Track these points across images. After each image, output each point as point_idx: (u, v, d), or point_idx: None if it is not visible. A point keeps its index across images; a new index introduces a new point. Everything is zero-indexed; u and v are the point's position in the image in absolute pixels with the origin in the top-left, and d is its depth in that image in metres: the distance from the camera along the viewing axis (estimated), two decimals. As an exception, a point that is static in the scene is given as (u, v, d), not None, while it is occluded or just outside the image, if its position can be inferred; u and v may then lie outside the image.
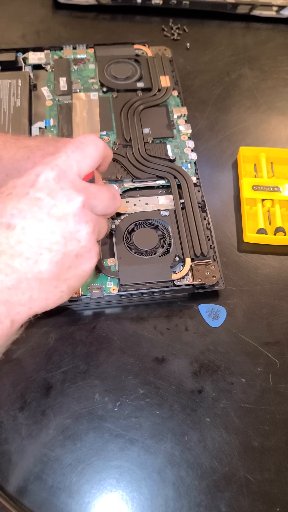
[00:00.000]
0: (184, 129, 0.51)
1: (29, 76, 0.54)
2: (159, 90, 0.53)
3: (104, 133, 0.50)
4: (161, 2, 0.62)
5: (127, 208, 0.45)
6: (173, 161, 0.48)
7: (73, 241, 0.28)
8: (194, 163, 0.48)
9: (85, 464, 0.36)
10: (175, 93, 0.53)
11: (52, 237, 0.27)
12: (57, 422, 0.37)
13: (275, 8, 0.63)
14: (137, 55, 0.55)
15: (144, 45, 0.57)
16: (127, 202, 0.45)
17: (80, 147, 0.29)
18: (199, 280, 0.41)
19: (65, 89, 0.52)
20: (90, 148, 0.30)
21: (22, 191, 0.27)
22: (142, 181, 0.46)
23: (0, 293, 0.26)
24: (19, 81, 0.52)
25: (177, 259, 0.42)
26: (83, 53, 0.56)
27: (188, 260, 0.42)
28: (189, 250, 0.42)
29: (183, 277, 0.41)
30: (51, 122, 0.50)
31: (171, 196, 0.46)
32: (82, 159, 0.29)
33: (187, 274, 0.41)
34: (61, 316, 0.42)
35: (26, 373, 0.39)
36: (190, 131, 0.50)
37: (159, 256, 0.42)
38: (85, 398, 0.38)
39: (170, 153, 0.49)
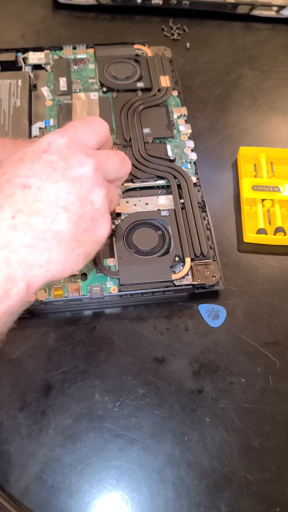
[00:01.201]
0: (184, 129, 0.51)
1: (29, 76, 0.54)
2: (159, 90, 0.53)
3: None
4: (161, 2, 0.62)
5: (127, 208, 0.45)
6: (173, 161, 0.48)
7: (87, 203, 0.28)
8: (194, 163, 0.48)
9: (85, 464, 0.36)
10: (175, 93, 0.53)
11: (68, 197, 0.27)
12: (57, 422, 0.37)
13: (275, 8, 0.63)
14: (137, 55, 0.55)
15: (144, 45, 0.57)
16: (127, 202, 0.45)
17: (87, 123, 0.30)
18: (199, 280, 0.41)
19: (65, 89, 0.52)
20: (96, 125, 0.31)
21: (34, 156, 0.28)
22: (142, 181, 0.46)
23: (16, 253, 0.25)
24: (19, 81, 0.52)
25: (177, 259, 0.42)
26: (83, 53, 0.56)
27: (188, 260, 0.42)
28: (189, 250, 0.42)
29: (183, 277, 0.41)
30: (51, 122, 0.50)
31: (171, 196, 0.46)
32: (89, 133, 0.30)
33: (187, 274, 0.41)
34: (61, 316, 0.42)
35: (26, 373, 0.39)
36: (190, 131, 0.50)
37: (159, 256, 0.42)
38: (85, 398, 0.38)
39: (170, 153, 0.49)
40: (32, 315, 0.42)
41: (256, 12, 0.63)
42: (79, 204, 0.27)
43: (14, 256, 0.25)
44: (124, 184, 0.46)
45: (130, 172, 0.46)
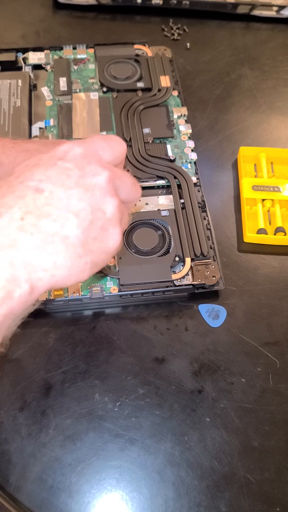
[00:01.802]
0: (184, 129, 0.51)
1: (29, 76, 0.54)
2: (159, 90, 0.53)
3: (104, 133, 0.50)
4: (161, 2, 0.62)
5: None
6: (173, 161, 0.48)
7: (99, 212, 0.28)
8: (194, 163, 0.48)
9: (85, 464, 0.36)
10: (175, 93, 0.53)
11: (79, 204, 0.27)
12: (57, 422, 0.37)
13: (275, 8, 0.63)
14: (137, 55, 0.55)
15: (144, 45, 0.57)
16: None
17: (105, 139, 0.30)
18: (199, 280, 0.41)
19: (65, 89, 0.52)
20: (115, 142, 0.31)
21: (49, 162, 0.28)
22: (142, 181, 0.46)
23: (22, 254, 0.25)
24: (19, 81, 0.52)
25: (177, 259, 0.42)
26: (83, 53, 0.56)
27: (188, 260, 0.42)
28: (189, 250, 0.42)
29: (183, 277, 0.41)
30: (51, 122, 0.50)
31: (171, 196, 0.46)
32: (106, 148, 0.30)
33: (187, 274, 0.41)
34: (61, 316, 0.42)
35: (26, 373, 0.39)
36: (190, 131, 0.50)
37: (159, 256, 0.42)
38: (85, 398, 0.38)
39: (170, 153, 0.49)
40: (32, 315, 0.42)
41: (256, 12, 0.63)
42: (90, 211, 0.27)
43: (19, 257, 0.25)
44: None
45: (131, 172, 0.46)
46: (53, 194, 0.26)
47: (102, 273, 0.41)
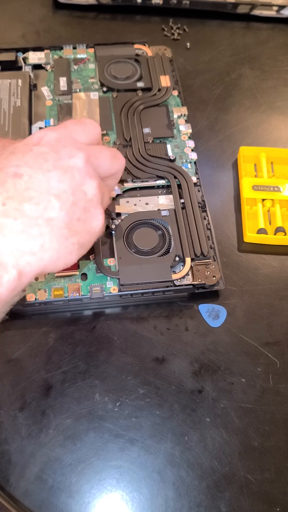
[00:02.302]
0: (184, 129, 0.51)
1: (29, 76, 0.53)
2: (159, 90, 0.53)
3: (104, 132, 0.50)
4: (161, 2, 0.62)
5: (127, 208, 0.45)
6: (173, 161, 0.48)
7: (79, 193, 0.28)
8: (194, 163, 0.48)
9: (85, 464, 0.36)
10: (175, 93, 0.53)
11: (60, 186, 0.27)
12: (57, 422, 0.37)
13: (275, 8, 0.63)
14: (137, 55, 0.55)
15: (144, 45, 0.57)
16: (127, 202, 0.45)
17: (78, 122, 0.31)
18: (199, 280, 0.41)
19: (65, 89, 0.52)
20: (88, 125, 0.31)
21: (25, 148, 0.28)
22: (142, 181, 0.46)
23: (7, 239, 0.25)
24: (19, 81, 0.52)
25: (177, 259, 0.42)
26: (83, 53, 0.56)
27: (188, 260, 0.42)
28: (189, 250, 0.42)
29: (183, 277, 0.41)
30: (51, 122, 0.50)
31: (171, 196, 0.46)
32: (80, 131, 0.30)
33: (187, 274, 0.41)
34: (61, 316, 0.42)
35: (26, 373, 0.39)
36: (190, 131, 0.50)
37: (159, 256, 0.42)
38: (85, 398, 0.38)
39: (170, 153, 0.49)
40: (32, 315, 0.42)
41: (257, 12, 0.63)
42: (71, 193, 0.27)
43: (4, 242, 0.25)
44: (124, 184, 0.46)
45: (130, 172, 0.46)
46: (33, 178, 0.26)
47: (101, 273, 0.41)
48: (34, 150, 0.28)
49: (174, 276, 0.41)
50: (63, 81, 0.53)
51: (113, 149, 0.33)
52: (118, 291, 0.41)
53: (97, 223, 0.29)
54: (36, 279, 0.41)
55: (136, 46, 0.57)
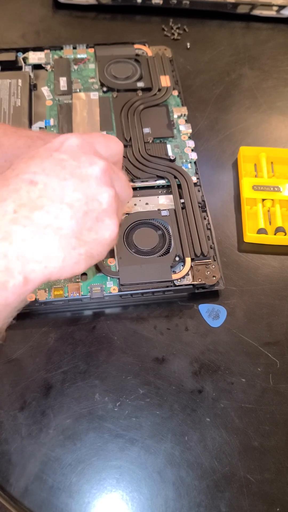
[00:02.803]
0: (184, 128, 0.51)
1: (29, 76, 0.53)
2: (159, 90, 0.53)
3: (104, 132, 0.50)
4: (161, 2, 0.62)
5: (127, 208, 0.45)
6: (173, 161, 0.48)
7: (94, 202, 0.28)
8: (194, 163, 0.48)
9: (85, 464, 0.36)
10: (175, 92, 0.53)
11: (74, 195, 0.27)
12: (57, 422, 0.37)
13: (275, 8, 0.62)
14: (137, 55, 0.55)
15: (144, 45, 0.57)
16: (127, 202, 0.45)
17: (103, 136, 0.31)
18: (199, 280, 0.41)
19: (65, 89, 0.52)
20: (112, 141, 0.31)
21: (45, 154, 0.28)
22: (142, 181, 0.46)
23: (15, 246, 0.25)
24: (19, 81, 0.52)
25: (177, 259, 0.42)
26: (83, 53, 0.56)
27: (188, 260, 0.42)
28: (189, 250, 0.42)
29: (183, 277, 0.41)
30: (51, 122, 0.50)
31: (171, 196, 0.46)
32: (103, 144, 0.30)
33: (187, 274, 0.41)
34: (61, 316, 0.42)
35: (26, 373, 0.39)
36: (190, 131, 0.50)
37: (159, 256, 0.42)
38: (85, 398, 0.38)
39: (170, 153, 0.49)
40: (32, 315, 0.42)
41: (257, 12, 0.63)
42: (85, 202, 0.27)
43: (12, 249, 0.25)
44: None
45: (130, 172, 0.46)
46: (47, 186, 0.26)
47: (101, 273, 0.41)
48: (53, 156, 0.28)
49: (174, 276, 0.41)
50: (63, 81, 0.53)
51: (127, 177, 0.33)
52: (118, 291, 0.41)
53: (110, 234, 0.29)
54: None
55: (136, 46, 0.57)
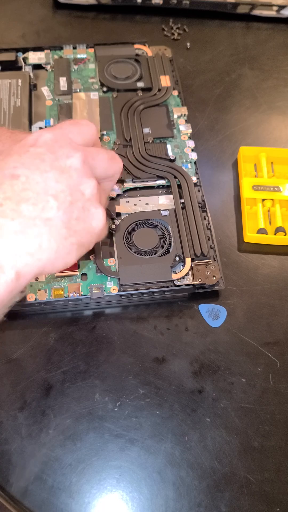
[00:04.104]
0: (184, 129, 0.51)
1: (29, 76, 0.53)
2: (159, 90, 0.53)
3: (104, 132, 0.50)
4: (161, 2, 0.62)
5: (127, 208, 0.45)
6: (173, 161, 0.48)
7: (77, 192, 0.28)
8: (194, 163, 0.48)
9: (85, 464, 0.36)
10: (175, 93, 0.53)
11: (57, 186, 0.27)
12: (57, 422, 0.37)
13: (275, 8, 0.62)
14: (137, 54, 0.55)
15: (144, 45, 0.57)
16: (127, 202, 0.45)
17: (74, 123, 0.31)
18: (199, 280, 0.41)
19: (65, 89, 0.52)
20: (83, 126, 0.31)
21: (22, 150, 0.28)
22: (142, 181, 0.46)
23: (5, 239, 0.25)
24: (19, 81, 0.52)
25: (177, 259, 0.42)
26: (83, 53, 0.56)
27: (188, 260, 0.42)
28: (189, 250, 0.42)
29: (183, 277, 0.41)
30: (51, 122, 0.50)
31: (171, 196, 0.46)
32: (76, 132, 0.30)
33: (187, 274, 0.41)
34: (61, 316, 0.42)
35: (26, 373, 0.39)
36: (190, 131, 0.50)
37: (159, 256, 0.42)
38: (85, 398, 0.38)
39: (170, 153, 0.49)
40: (32, 315, 0.42)
41: (257, 12, 0.63)
42: (69, 193, 0.27)
43: (2, 243, 0.25)
44: (124, 184, 0.46)
45: (130, 172, 0.46)
46: (30, 178, 0.26)
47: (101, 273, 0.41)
48: (30, 151, 0.28)
49: (174, 276, 0.41)
50: (63, 81, 0.53)
51: (111, 151, 0.33)
52: (118, 291, 0.41)
53: (97, 222, 0.29)
54: (36, 279, 0.41)
55: (136, 46, 0.57)
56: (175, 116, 0.51)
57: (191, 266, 0.42)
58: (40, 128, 0.50)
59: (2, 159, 0.27)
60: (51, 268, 0.27)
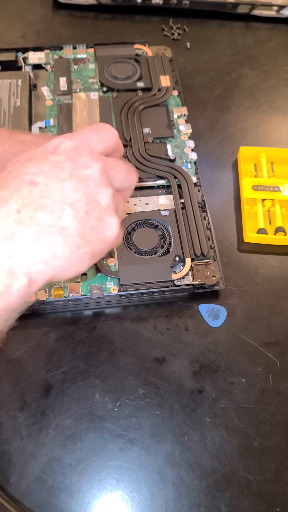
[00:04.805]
0: (184, 129, 0.51)
1: (29, 76, 0.53)
2: (159, 90, 0.53)
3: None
4: (161, 2, 0.62)
5: (127, 208, 0.45)
6: (173, 161, 0.48)
7: (93, 203, 0.28)
8: (194, 163, 0.48)
9: (85, 464, 0.36)
10: (175, 92, 0.53)
11: (75, 195, 0.27)
12: (57, 422, 0.37)
13: (275, 8, 0.63)
14: (137, 55, 0.55)
15: (144, 45, 0.57)
16: (127, 202, 0.45)
17: (95, 130, 0.31)
18: (199, 280, 0.41)
19: (65, 89, 0.52)
20: (105, 132, 0.31)
21: (42, 156, 0.28)
22: (142, 181, 0.46)
23: (20, 246, 0.25)
24: (19, 81, 0.52)
25: (177, 259, 0.42)
26: (83, 53, 0.56)
27: (188, 260, 0.42)
28: (189, 250, 0.42)
29: (183, 277, 0.41)
30: (51, 122, 0.50)
31: (171, 196, 0.46)
32: (97, 139, 0.30)
33: (187, 274, 0.41)
34: (61, 316, 0.42)
35: (26, 373, 0.39)
36: (190, 131, 0.50)
37: (159, 256, 0.42)
38: (85, 398, 0.38)
39: (170, 153, 0.49)
40: (32, 315, 0.42)
41: (256, 12, 0.63)
42: (85, 202, 0.28)
43: (17, 250, 0.25)
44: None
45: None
46: (48, 186, 0.27)
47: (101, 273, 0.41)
48: (50, 159, 0.28)
49: (174, 276, 0.41)
50: (63, 81, 0.53)
51: (129, 163, 0.33)
52: (118, 291, 0.41)
53: (112, 232, 0.29)
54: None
55: (136, 46, 0.57)
56: (175, 116, 0.51)
57: (191, 266, 0.42)
58: (40, 128, 0.50)
59: (22, 164, 0.27)
60: (62, 276, 0.27)
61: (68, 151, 0.28)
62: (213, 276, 0.41)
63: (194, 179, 0.47)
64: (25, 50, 0.55)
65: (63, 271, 0.27)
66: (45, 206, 0.26)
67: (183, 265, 0.42)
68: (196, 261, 0.42)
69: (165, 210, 0.44)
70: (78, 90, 0.53)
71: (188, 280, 0.41)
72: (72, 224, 0.27)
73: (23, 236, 0.25)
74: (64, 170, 0.27)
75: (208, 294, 0.43)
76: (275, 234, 0.46)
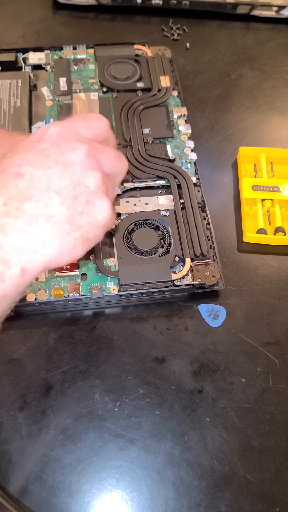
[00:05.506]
0: (184, 129, 0.51)
1: (29, 76, 0.54)
2: (159, 90, 0.53)
3: (104, 133, 0.49)
4: (161, 2, 0.62)
5: (127, 208, 0.45)
6: (173, 161, 0.48)
7: (81, 186, 0.28)
8: (194, 163, 0.48)
9: (85, 464, 0.36)
10: (175, 93, 0.53)
11: (60, 182, 0.27)
12: (57, 422, 0.37)
13: (275, 8, 0.63)
14: (137, 55, 0.55)
15: (144, 45, 0.57)
16: (127, 202, 0.45)
17: (84, 118, 0.31)
18: (199, 280, 0.41)
19: (65, 89, 0.52)
20: (94, 120, 0.31)
21: (28, 146, 0.28)
22: (142, 181, 0.47)
23: (9, 237, 0.26)
24: (19, 81, 0.52)
25: (177, 259, 0.42)
26: (83, 53, 0.56)
27: (188, 260, 0.42)
28: (189, 250, 0.42)
29: (183, 277, 0.41)
30: (51, 122, 0.50)
31: (171, 196, 0.46)
32: (85, 126, 0.30)
33: (187, 274, 0.41)
34: (61, 316, 0.42)
35: (26, 373, 0.39)
36: (190, 131, 0.51)
37: (159, 256, 0.42)
38: (85, 398, 0.38)
39: (170, 153, 0.49)
40: (32, 315, 0.42)
41: (256, 12, 0.63)
42: (72, 187, 0.28)
43: (7, 241, 0.26)
44: (124, 184, 0.46)
45: (130, 172, 0.46)
46: (33, 176, 0.27)
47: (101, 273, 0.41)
48: (36, 147, 0.28)
49: (174, 276, 0.41)
50: (63, 82, 0.53)
51: (118, 150, 0.33)
52: (118, 291, 0.41)
53: (103, 215, 0.29)
54: (36, 279, 0.41)
55: (136, 46, 0.57)
56: (175, 116, 0.51)
57: (191, 266, 0.42)
58: (40, 128, 0.50)
59: (10, 156, 0.28)
60: (56, 263, 0.28)
61: (54, 137, 0.28)
62: (213, 276, 0.41)
63: (194, 179, 0.47)
64: (25, 50, 0.55)
65: (55, 258, 0.27)
66: (31, 196, 0.26)
67: (183, 265, 0.42)
68: (196, 261, 0.42)
69: (165, 210, 0.45)
70: (78, 91, 0.53)
71: (188, 280, 0.41)
72: (59, 211, 0.27)
73: (10, 228, 0.26)
74: (49, 157, 0.28)
75: (208, 294, 0.43)
76: (274, 234, 0.46)
